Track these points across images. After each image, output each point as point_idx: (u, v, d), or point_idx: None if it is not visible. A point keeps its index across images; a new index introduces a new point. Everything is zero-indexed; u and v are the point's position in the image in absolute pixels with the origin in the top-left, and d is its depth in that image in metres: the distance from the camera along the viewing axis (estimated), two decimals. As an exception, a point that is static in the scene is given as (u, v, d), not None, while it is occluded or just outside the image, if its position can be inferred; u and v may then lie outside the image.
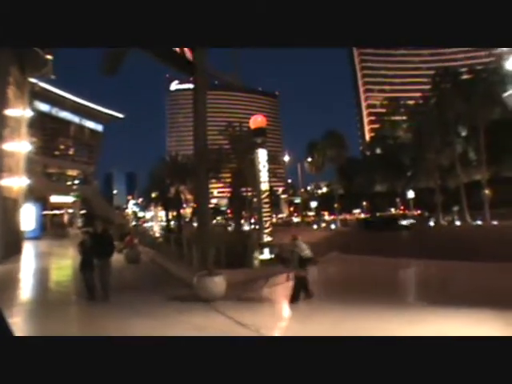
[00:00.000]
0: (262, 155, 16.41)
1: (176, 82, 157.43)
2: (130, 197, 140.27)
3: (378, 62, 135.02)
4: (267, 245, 15.49)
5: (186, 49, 13.63)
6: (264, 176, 16.37)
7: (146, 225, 72.37)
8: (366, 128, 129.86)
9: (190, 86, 20.78)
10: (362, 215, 73.34)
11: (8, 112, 17.78)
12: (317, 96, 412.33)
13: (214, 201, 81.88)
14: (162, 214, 48.64)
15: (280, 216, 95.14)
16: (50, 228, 41.42)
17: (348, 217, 73.58)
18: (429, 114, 47.69)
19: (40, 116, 39.16)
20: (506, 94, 42.97)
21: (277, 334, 6.22)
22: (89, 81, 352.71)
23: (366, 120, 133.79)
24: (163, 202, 41.60)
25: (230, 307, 7.48)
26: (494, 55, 57.44)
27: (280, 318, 7.56)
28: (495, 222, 39.71)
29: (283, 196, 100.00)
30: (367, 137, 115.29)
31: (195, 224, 26.90)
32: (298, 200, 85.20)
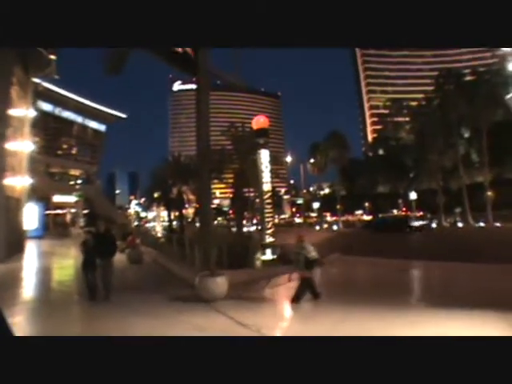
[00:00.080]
0: (264, 156, 16.38)
1: (179, 82, 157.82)
2: (132, 197, 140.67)
3: (380, 63, 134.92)
4: (269, 245, 15.48)
5: (188, 48, 13.67)
6: (266, 177, 16.33)
7: (148, 225, 72.35)
8: (369, 129, 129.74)
9: (193, 86, 20.84)
10: (365, 216, 73.15)
11: (11, 112, 17.85)
12: (319, 96, 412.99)
13: (216, 201, 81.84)
14: (164, 214, 48.63)
15: (282, 217, 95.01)
16: (53, 227, 41.51)
17: (350, 218, 73.43)
18: (431, 115, 47.62)
19: (43, 116, 39.40)
20: (508, 96, 42.87)
21: (278, 334, 6.21)
22: (92, 81, 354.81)
23: (368, 121, 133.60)
24: (165, 202, 41.58)
25: (231, 307, 7.47)
26: (497, 56, 57.30)
27: (281, 318, 7.53)
28: (498, 224, 39.60)
29: (285, 197, 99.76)
30: (370, 138, 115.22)
31: (197, 224, 26.88)
32: (300, 201, 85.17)
